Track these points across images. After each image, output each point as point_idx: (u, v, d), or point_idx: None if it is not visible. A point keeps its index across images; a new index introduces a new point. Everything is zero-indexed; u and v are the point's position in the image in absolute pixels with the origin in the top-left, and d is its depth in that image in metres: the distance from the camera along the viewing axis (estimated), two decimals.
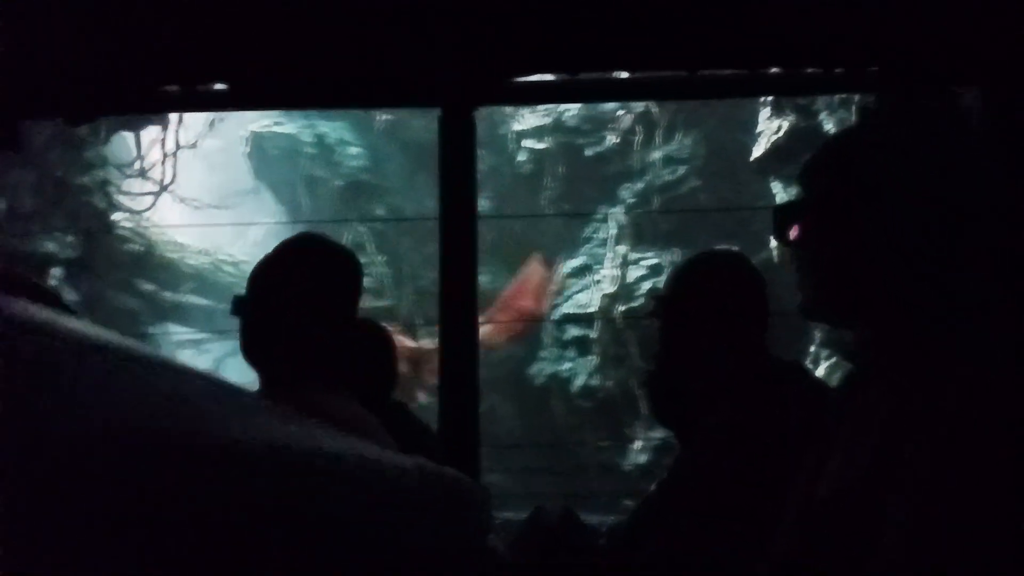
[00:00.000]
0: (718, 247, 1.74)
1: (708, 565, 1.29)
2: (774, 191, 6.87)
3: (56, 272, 6.69)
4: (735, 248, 1.71)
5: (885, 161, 0.86)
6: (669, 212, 8.01)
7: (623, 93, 2.89)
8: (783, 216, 0.94)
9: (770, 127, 6.82)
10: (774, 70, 2.27)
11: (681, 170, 8.35)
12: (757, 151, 6.99)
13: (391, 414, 1.78)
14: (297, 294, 1.34)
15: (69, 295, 6.78)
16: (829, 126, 5.92)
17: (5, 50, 1.97)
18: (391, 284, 8.60)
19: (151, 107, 2.97)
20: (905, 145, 0.87)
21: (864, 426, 0.80)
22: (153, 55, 2.07)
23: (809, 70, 2.25)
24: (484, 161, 8.10)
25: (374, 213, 8.78)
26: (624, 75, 2.35)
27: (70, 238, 6.76)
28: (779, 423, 1.31)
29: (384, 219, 8.63)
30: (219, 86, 2.28)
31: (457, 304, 2.08)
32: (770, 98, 6.81)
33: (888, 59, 2.05)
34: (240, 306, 1.36)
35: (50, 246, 6.62)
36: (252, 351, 1.35)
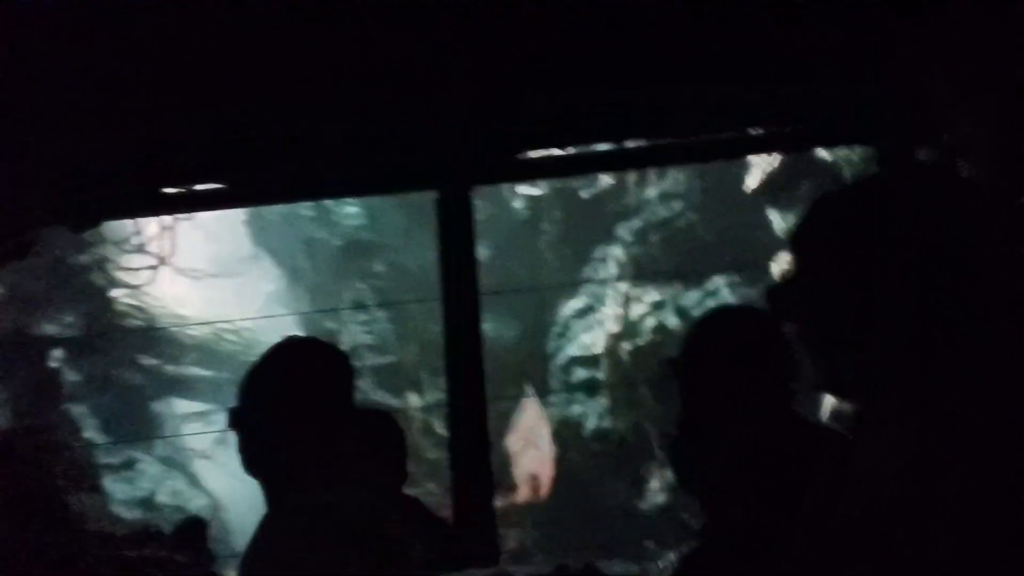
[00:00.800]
0: (734, 304, 1.72)
1: None
2: (771, 220, 6.88)
3: (57, 353, 6.65)
4: (754, 304, 1.69)
5: (877, 228, 0.85)
6: (669, 245, 8.02)
7: (616, 164, 2.94)
8: (778, 297, 0.93)
9: (764, 158, 6.86)
10: (767, 131, 2.29)
11: (677, 205, 8.37)
12: (752, 182, 7.02)
13: (404, 507, 1.76)
14: (292, 399, 1.33)
15: (71, 376, 6.74)
16: (823, 155, 5.94)
17: (12, 163, 1.99)
18: (394, 339, 8.56)
19: (152, 210, 3.02)
20: (898, 209, 0.85)
21: (882, 462, 0.79)
22: (151, 160, 2.09)
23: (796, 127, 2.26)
24: (481, 211, 8.10)
25: (373, 270, 8.78)
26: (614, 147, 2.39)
27: (70, 318, 6.74)
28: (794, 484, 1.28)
29: (382, 272, 8.63)
30: (218, 185, 2.30)
31: (464, 380, 2.07)
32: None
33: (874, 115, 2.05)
34: (236, 418, 1.36)
35: (50, 328, 6.59)
36: (254, 462, 1.34)
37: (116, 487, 6.64)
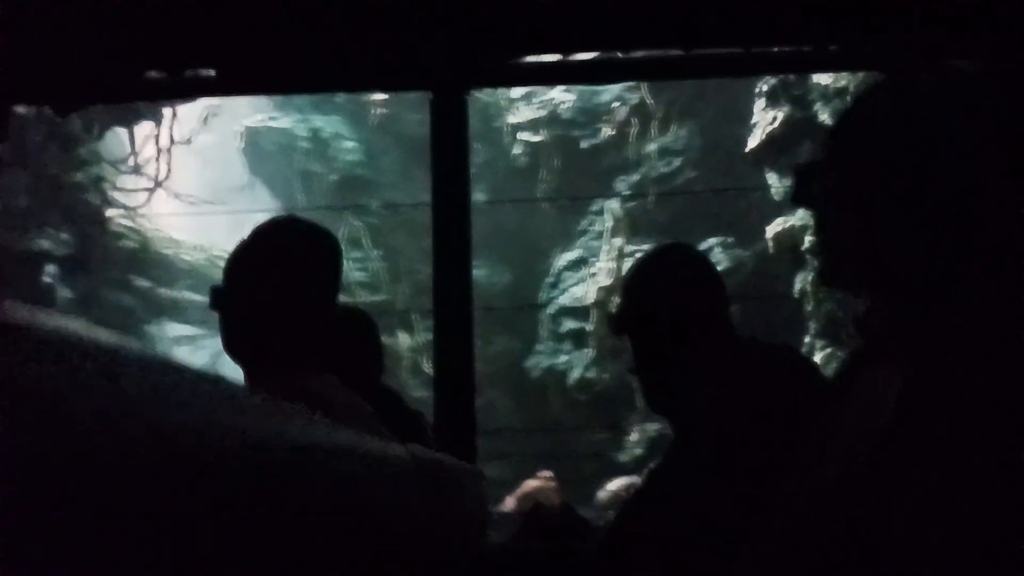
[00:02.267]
0: (658, 246, 1.73)
1: (696, 556, 1.29)
2: (770, 182, 6.87)
3: (51, 269, 6.67)
4: (677, 242, 1.71)
5: (912, 132, 0.83)
6: (665, 198, 8.00)
7: (617, 74, 2.88)
8: (805, 175, 0.91)
9: (765, 118, 6.81)
10: (770, 49, 2.24)
11: (676, 162, 8.33)
12: (752, 142, 6.99)
13: (382, 400, 1.76)
14: (276, 280, 1.29)
15: (64, 292, 6.77)
16: (824, 116, 5.91)
17: None
18: (387, 279, 8.59)
19: (138, 94, 2.93)
20: (934, 118, 0.83)
21: (874, 406, 0.78)
22: (140, 41, 2.05)
23: (805, 48, 2.22)
24: (479, 154, 8.06)
25: (369, 207, 8.75)
26: (618, 55, 2.31)
27: (65, 235, 6.74)
28: (758, 404, 1.31)
29: (377, 209, 8.61)
30: (207, 72, 2.25)
31: (451, 291, 2.05)
32: (765, 88, 6.80)
33: (886, 36, 2.02)
34: (218, 298, 1.31)
35: (45, 243, 6.60)
36: (233, 344, 1.31)
37: None
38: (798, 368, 1.45)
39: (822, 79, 5.87)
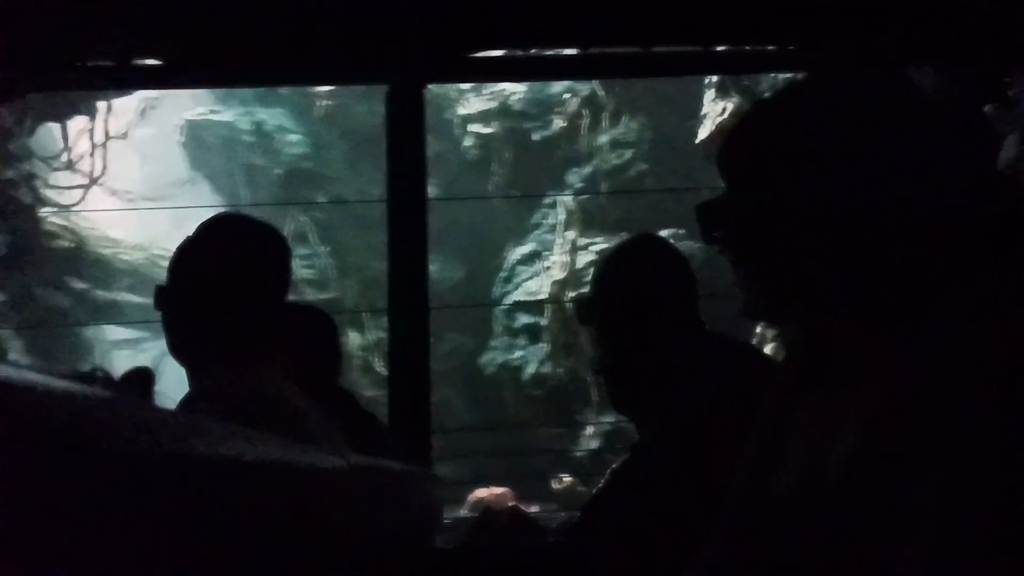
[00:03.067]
0: (630, 236, 1.74)
1: (660, 556, 1.27)
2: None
3: None
4: (648, 232, 1.73)
5: (806, 138, 0.79)
6: (619, 195, 8.02)
7: (574, 71, 2.85)
8: (707, 215, 0.88)
9: (715, 109, 6.86)
10: (723, 48, 2.25)
11: (628, 154, 8.36)
12: (703, 133, 7.03)
13: (336, 401, 1.70)
14: (221, 277, 1.26)
15: None
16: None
17: None
18: (335, 275, 8.42)
19: (79, 83, 2.79)
20: (826, 118, 0.79)
21: (831, 424, 0.75)
22: (81, 27, 1.93)
23: (758, 48, 2.23)
24: (430, 147, 7.90)
25: (315, 201, 8.57)
26: (576, 52, 2.30)
27: None
28: (731, 402, 1.30)
29: (329, 203, 8.43)
30: (151, 62, 2.15)
31: (407, 288, 2.01)
32: (715, 79, 6.84)
33: (836, 36, 2.02)
34: (163, 296, 1.28)
35: None
36: (178, 344, 1.27)
37: None
38: (766, 366, 1.45)
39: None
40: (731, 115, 6.67)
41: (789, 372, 0.89)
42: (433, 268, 2.13)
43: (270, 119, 9.02)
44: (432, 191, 2.35)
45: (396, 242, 2.03)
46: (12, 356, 6.43)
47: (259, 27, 2.00)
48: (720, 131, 6.73)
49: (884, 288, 0.76)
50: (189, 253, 1.30)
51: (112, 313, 7.50)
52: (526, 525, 1.82)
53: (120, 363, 8.23)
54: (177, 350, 1.27)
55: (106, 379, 1.14)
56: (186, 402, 1.21)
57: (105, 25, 1.95)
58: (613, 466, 1.82)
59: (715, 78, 6.81)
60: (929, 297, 0.74)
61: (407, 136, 2.07)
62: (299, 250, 7.84)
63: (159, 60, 2.13)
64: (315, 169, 8.94)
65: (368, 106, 7.75)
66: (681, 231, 7.68)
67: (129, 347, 7.47)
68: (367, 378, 7.52)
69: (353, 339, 7.81)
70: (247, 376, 1.22)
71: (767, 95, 0.90)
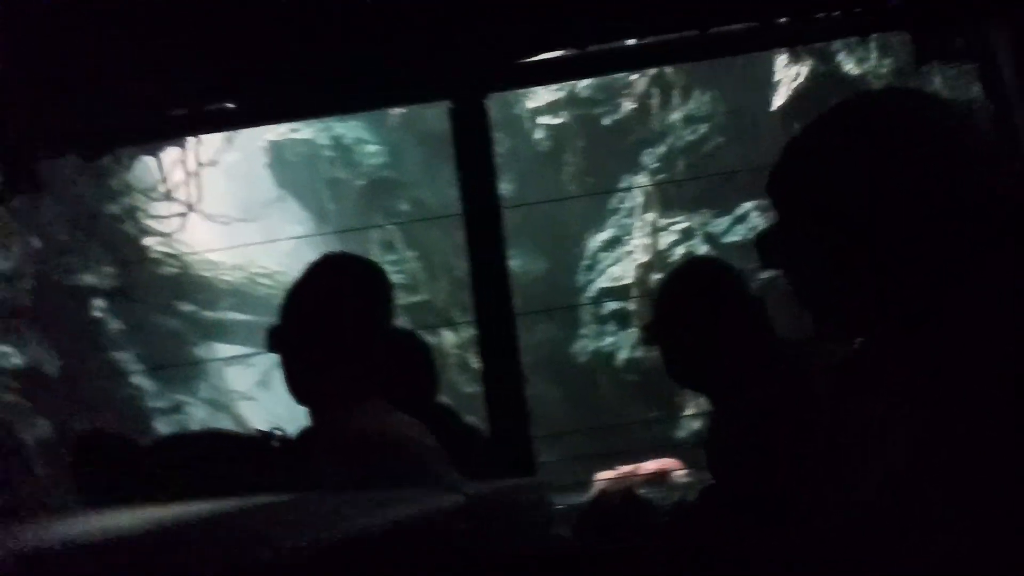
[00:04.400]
0: (689, 260, 1.81)
1: (765, 545, 1.28)
2: None
3: (98, 303, 6.81)
4: (704, 256, 1.75)
5: (850, 164, 0.80)
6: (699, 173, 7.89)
7: (636, 61, 2.82)
8: (764, 246, 0.91)
9: (788, 75, 6.67)
10: (787, 20, 2.20)
11: (703, 129, 8.20)
12: (778, 101, 6.84)
13: (436, 417, 1.78)
14: (332, 317, 1.31)
15: (114, 324, 6.91)
16: (849, 66, 5.76)
17: (16, 94, 1.98)
18: (424, 278, 8.62)
19: (162, 132, 2.98)
20: (876, 140, 0.80)
21: (890, 427, 0.77)
22: (158, 81, 2.07)
23: (821, 15, 2.17)
24: (501, 144, 7.99)
25: (398, 209, 8.78)
26: (633, 42, 2.29)
27: (107, 268, 6.88)
28: (788, 395, 1.32)
29: (407, 210, 8.63)
30: (228, 104, 2.27)
31: (491, 294, 2.05)
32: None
33: None
34: (275, 338, 1.33)
35: (90, 278, 6.73)
36: (294, 383, 1.32)
37: (168, 430, 6.87)
38: (834, 369, 1.44)
39: None
40: (807, 79, 6.46)
41: (853, 376, 0.90)
42: (514, 264, 2.17)
43: (348, 132, 9.30)
44: (505, 187, 2.38)
45: (476, 253, 2.06)
46: (135, 380, 6.88)
47: (321, 62, 2.08)
48: (796, 98, 6.54)
49: (937, 299, 0.78)
50: (299, 295, 1.35)
51: (219, 331, 7.91)
52: (640, 508, 1.84)
53: (233, 379, 8.66)
54: (294, 388, 1.31)
55: (283, 437, 1.24)
56: (304, 436, 1.29)
57: (179, 75, 2.08)
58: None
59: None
60: (980, 305, 0.75)
61: (474, 148, 2.10)
62: (387, 257, 8.05)
63: (233, 104, 2.25)
64: (395, 177, 9.16)
65: (438, 110, 7.89)
66: (765, 202, 7.51)
67: (239, 363, 7.87)
68: (464, 375, 7.67)
69: (447, 338, 7.98)
70: (363, 412, 1.28)
71: (808, 124, 0.90)
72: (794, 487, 0.95)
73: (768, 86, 7.03)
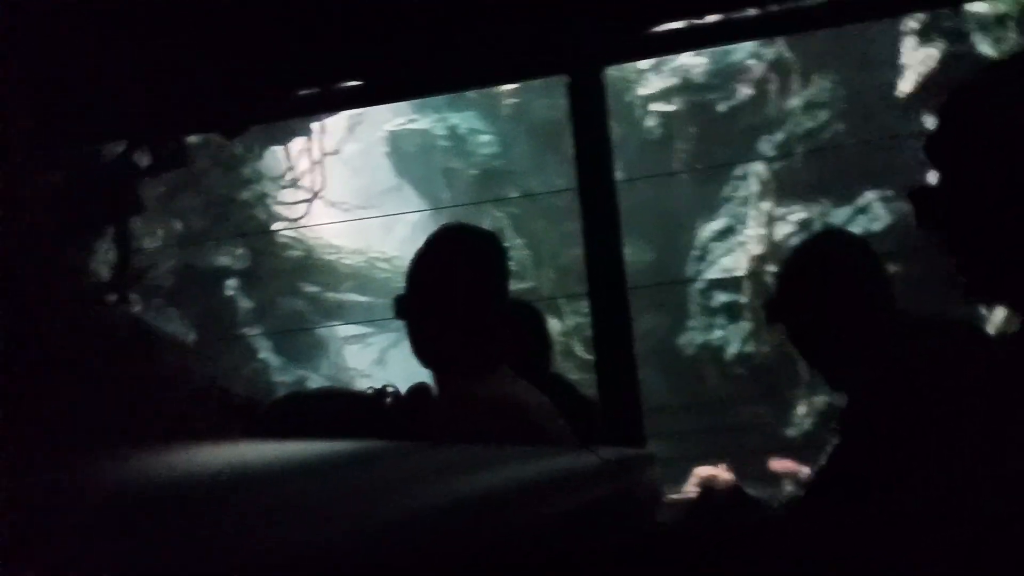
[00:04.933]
0: (814, 233, 1.71)
1: (887, 534, 1.26)
2: (928, 127, 6.37)
3: (231, 283, 7.31)
4: (833, 228, 1.66)
5: (1015, 121, 0.78)
6: (814, 156, 7.61)
7: (755, 31, 2.69)
8: (923, 202, 0.88)
9: (916, 58, 6.32)
10: None
11: (823, 115, 7.89)
12: (905, 86, 6.51)
13: (552, 386, 1.80)
14: (453, 285, 1.37)
15: (244, 303, 7.41)
16: (985, 47, 5.40)
17: (165, 78, 2.17)
18: (531, 266, 8.73)
19: (294, 111, 3.12)
20: None
21: None
22: (290, 62, 2.22)
23: None
24: (611, 131, 7.90)
25: (508, 197, 8.91)
26: (752, 12, 2.21)
27: (239, 250, 7.37)
28: (923, 386, 1.27)
29: (516, 199, 8.75)
30: (352, 83, 2.40)
31: (604, 271, 2.05)
32: (913, 26, 6.30)
33: None
34: (402, 306, 1.40)
35: (223, 260, 7.24)
36: (421, 349, 1.39)
37: None
38: (966, 344, 1.38)
39: (977, 6, 5.37)
40: (939, 62, 6.11)
41: (1011, 351, 0.88)
42: (624, 251, 2.16)
43: (462, 123, 9.52)
44: (618, 174, 2.36)
45: (590, 229, 2.06)
46: (263, 355, 7.37)
47: (441, 38, 2.15)
48: (926, 83, 6.19)
49: None
50: (421, 265, 1.41)
51: (340, 312, 8.32)
52: (747, 502, 1.83)
53: (351, 357, 9.10)
54: (420, 354, 1.37)
55: (395, 394, 1.33)
56: (418, 395, 1.36)
57: (308, 56, 2.21)
58: (834, 442, 1.78)
59: (915, 24, 6.27)
60: None
61: (592, 122, 2.10)
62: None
63: (360, 80, 2.37)
64: (506, 166, 9.31)
65: (550, 100, 7.95)
66: (888, 192, 7.16)
67: (357, 342, 8.26)
68: (569, 362, 7.75)
69: (553, 326, 8.06)
70: (487, 377, 1.33)
71: (977, 79, 0.87)
72: (928, 482, 0.91)
73: (893, 70, 6.69)
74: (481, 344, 1.37)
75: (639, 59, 6.46)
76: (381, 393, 1.33)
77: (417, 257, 1.44)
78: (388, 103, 7.09)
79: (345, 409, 1.33)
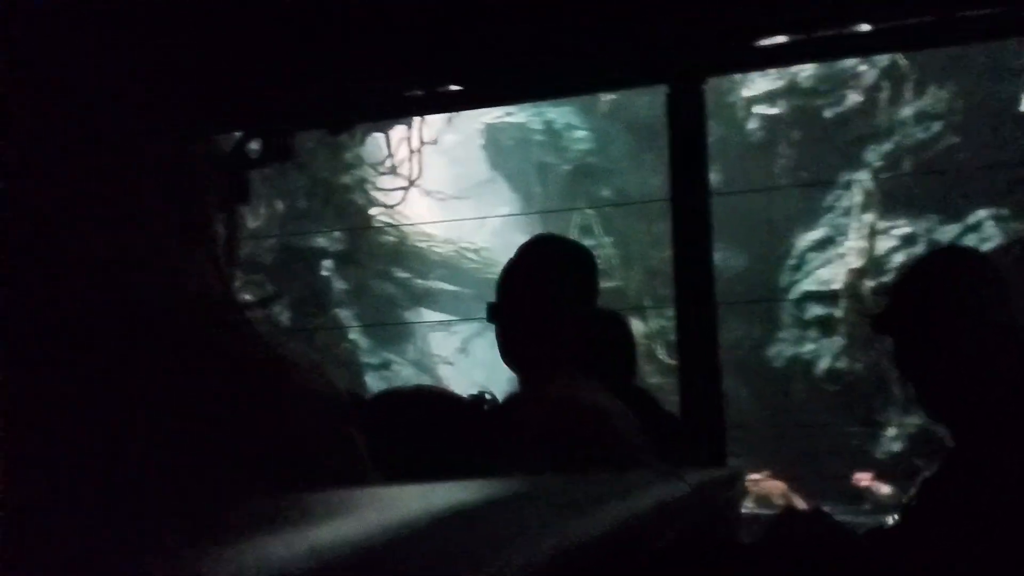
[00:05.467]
0: (938, 248, 1.63)
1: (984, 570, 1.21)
2: None
3: (328, 264, 7.60)
4: (958, 245, 1.58)
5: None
6: (925, 174, 7.29)
7: (864, 48, 2.62)
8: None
9: None
10: None
11: (936, 127, 7.54)
12: None
13: (634, 399, 1.77)
14: (540, 293, 1.43)
15: (339, 284, 7.68)
16: None
17: (274, 75, 2.30)
18: (619, 265, 8.69)
19: (398, 112, 3.25)
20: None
21: None
22: (397, 65, 2.31)
23: None
24: (711, 132, 7.75)
25: (601, 195, 8.90)
26: (865, 28, 2.16)
27: (337, 233, 7.64)
28: None
29: (607, 196, 8.72)
30: (455, 88, 2.48)
31: (693, 284, 2.05)
32: None
33: None
34: (494, 312, 1.46)
35: (322, 242, 7.53)
36: (508, 353, 1.44)
37: (376, 385, 7.56)
38: None
39: None
40: None
41: None
42: (715, 257, 2.15)
43: (559, 118, 9.56)
44: (715, 177, 2.32)
45: (680, 241, 2.05)
46: (352, 336, 7.63)
47: (543, 45, 2.19)
48: None
49: None
50: (512, 274, 1.47)
51: (428, 298, 8.52)
52: (830, 527, 1.76)
53: (435, 343, 9.31)
54: (507, 358, 1.43)
55: (493, 400, 1.39)
56: (510, 401, 1.41)
57: (416, 57, 2.29)
58: (925, 474, 1.71)
59: None
60: None
61: (689, 134, 2.09)
62: (585, 241, 8.21)
63: (462, 85, 2.45)
64: (600, 164, 9.30)
65: (649, 99, 7.89)
66: (1003, 211, 6.78)
67: (442, 328, 8.44)
68: (651, 366, 7.69)
69: (636, 327, 8.02)
70: (570, 384, 1.36)
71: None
72: None
73: (1017, 83, 6.33)
74: (566, 352, 1.42)
75: (741, 72, 6.32)
76: (479, 399, 1.40)
77: (509, 265, 1.50)
78: (489, 107, 7.19)
79: (445, 412, 1.39)
